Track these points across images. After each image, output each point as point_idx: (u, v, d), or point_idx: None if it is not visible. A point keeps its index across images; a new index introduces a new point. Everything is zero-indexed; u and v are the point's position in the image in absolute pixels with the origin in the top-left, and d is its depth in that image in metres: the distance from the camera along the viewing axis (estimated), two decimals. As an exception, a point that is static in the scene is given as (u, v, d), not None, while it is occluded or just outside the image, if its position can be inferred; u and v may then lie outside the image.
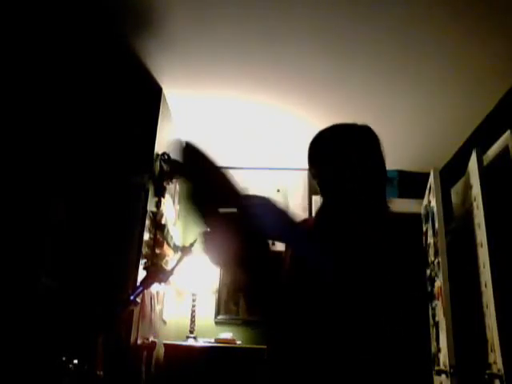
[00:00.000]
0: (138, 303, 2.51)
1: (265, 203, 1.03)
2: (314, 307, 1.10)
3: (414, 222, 3.64)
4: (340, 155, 1.22)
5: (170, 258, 3.10)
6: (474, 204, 2.54)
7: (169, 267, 2.88)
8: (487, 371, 2.26)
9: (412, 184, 3.89)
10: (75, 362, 1.86)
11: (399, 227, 1.20)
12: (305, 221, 1.38)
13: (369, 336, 1.11)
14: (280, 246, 1.17)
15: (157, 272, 1.21)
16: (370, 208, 1.20)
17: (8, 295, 2.31)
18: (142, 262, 2.65)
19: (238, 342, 3.38)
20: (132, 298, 1.17)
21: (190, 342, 3.37)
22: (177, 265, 1.12)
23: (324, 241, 1.12)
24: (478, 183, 2.44)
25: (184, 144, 1.05)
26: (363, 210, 1.19)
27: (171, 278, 3.41)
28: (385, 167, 1.29)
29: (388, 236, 1.15)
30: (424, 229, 3.34)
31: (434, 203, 2.87)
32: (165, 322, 3.35)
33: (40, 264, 2.45)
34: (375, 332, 1.12)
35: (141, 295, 2.71)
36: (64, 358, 1.87)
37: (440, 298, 2.74)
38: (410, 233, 1.20)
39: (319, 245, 1.07)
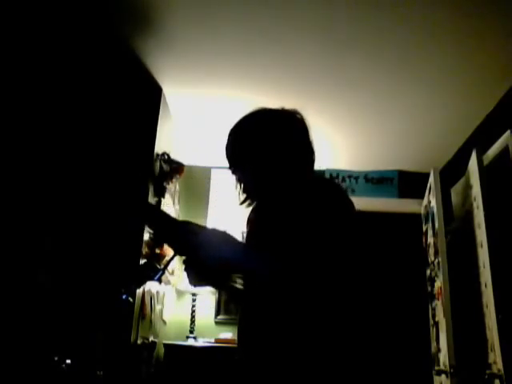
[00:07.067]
0: (132, 302, 2.50)
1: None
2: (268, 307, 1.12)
3: (413, 221, 3.64)
4: (261, 148, 1.21)
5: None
6: (474, 204, 2.54)
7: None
8: (487, 371, 2.25)
9: (412, 184, 3.89)
10: (68, 361, 1.86)
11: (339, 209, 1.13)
12: (248, 221, 1.37)
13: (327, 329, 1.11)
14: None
15: (147, 271, 1.21)
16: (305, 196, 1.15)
17: (4, 293, 2.31)
18: (142, 262, 2.65)
19: (238, 342, 3.38)
20: (124, 297, 1.17)
21: (190, 342, 3.37)
22: (168, 264, 1.12)
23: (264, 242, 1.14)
24: (478, 183, 2.43)
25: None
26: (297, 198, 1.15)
27: (171, 278, 3.42)
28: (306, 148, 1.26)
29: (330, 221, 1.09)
30: (424, 229, 3.34)
31: (434, 203, 2.86)
32: (165, 322, 3.35)
33: (38, 263, 2.45)
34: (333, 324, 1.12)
35: (138, 295, 2.71)
36: (56, 358, 1.87)
37: (440, 298, 2.74)
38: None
39: (263, 256, 1.09)
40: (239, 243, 1.11)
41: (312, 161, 1.26)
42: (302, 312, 1.09)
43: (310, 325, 1.08)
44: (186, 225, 1.08)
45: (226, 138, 1.27)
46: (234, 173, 1.27)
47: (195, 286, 1.13)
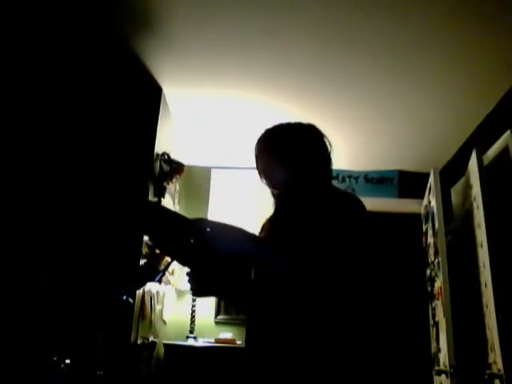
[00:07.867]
0: (132, 303, 2.50)
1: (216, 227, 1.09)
2: (281, 308, 1.13)
3: (413, 221, 3.64)
4: (291, 151, 1.31)
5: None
6: (474, 204, 2.54)
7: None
8: (487, 371, 2.25)
9: (412, 184, 3.89)
10: (67, 361, 1.86)
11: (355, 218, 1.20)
12: (262, 227, 1.40)
13: (338, 329, 1.12)
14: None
15: (148, 271, 1.21)
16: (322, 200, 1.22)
17: (4, 293, 2.31)
18: (142, 262, 2.65)
19: (238, 342, 3.38)
20: (124, 297, 1.17)
21: (190, 342, 3.37)
22: (169, 265, 1.12)
23: (282, 241, 1.16)
24: (478, 183, 2.43)
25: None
26: (316, 202, 1.21)
27: (171, 278, 3.42)
28: (326, 160, 1.36)
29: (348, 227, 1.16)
30: (424, 229, 3.34)
31: (434, 203, 2.86)
32: (165, 322, 3.35)
33: (38, 263, 2.45)
34: (344, 323, 1.14)
35: (138, 295, 2.71)
36: (55, 358, 1.86)
37: (440, 298, 2.74)
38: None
39: (277, 249, 1.11)
40: (256, 235, 1.13)
41: (330, 174, 1.38)
42: (311, 313, 1.10)
43: (318, 325, 1.09)
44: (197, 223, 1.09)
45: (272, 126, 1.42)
46: (268, 159, 1.36)
47: (199, 296, 1.15)
